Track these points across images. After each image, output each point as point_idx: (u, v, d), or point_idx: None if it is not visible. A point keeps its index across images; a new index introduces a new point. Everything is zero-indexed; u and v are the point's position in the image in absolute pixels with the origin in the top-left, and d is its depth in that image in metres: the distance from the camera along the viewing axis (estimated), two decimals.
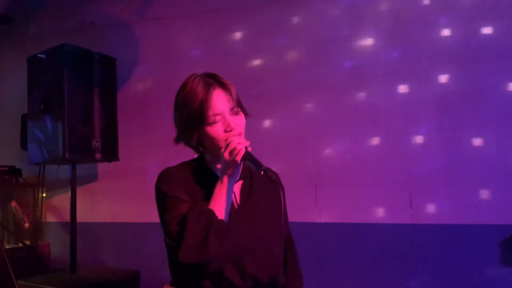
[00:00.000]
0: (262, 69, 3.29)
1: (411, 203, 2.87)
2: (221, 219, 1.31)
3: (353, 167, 3.00)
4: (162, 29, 3.63)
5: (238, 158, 1.30)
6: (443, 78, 2.88)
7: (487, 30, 2.81)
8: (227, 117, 1.35)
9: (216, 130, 1.35)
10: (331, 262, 2.97)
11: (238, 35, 3.40)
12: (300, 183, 3.04)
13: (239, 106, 1.40)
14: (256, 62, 3.31)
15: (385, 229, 2.90)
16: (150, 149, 3.55)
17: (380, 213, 2.93)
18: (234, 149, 1.30)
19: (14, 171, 3.67)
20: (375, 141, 2.99)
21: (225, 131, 1.35)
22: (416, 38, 2.94)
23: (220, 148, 1.34)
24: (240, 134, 1.38)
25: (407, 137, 2.92)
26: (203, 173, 1.43)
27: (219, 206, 1.32)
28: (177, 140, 1.46)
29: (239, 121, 1.38)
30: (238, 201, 1.44)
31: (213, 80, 1.38)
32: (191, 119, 1.36)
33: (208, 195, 1.36)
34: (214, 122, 1.35)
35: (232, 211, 1.38)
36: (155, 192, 1.41)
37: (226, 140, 1.33)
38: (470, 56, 2.82)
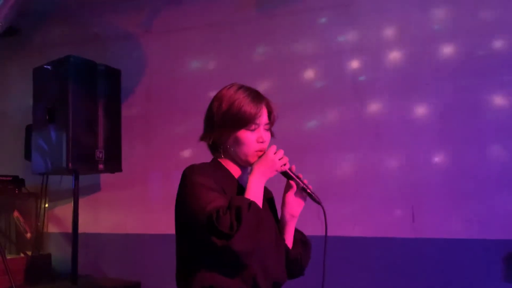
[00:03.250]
0: (265, 81, 3.31)
1: (413, 217, 2.86)
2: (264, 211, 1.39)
3: (355, 180, 3.00)
4: (166, 42, 3.67)
5: (286, 168, 1.47)
6: (446, 92, 2.89)
7: (489, 45, 2.82)
8: (262, 130, 1.48)
9: (250, 137, 1.46)
10: (332, 275, 2.95)
11: (241, 47, 3.43)
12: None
13: (272, 125, 1.54)
14: (260, 74, 3.33)
15: (387, 243, 2.88)
16: (153, 161, 3.57)
17: (382, 227, 2.92)
18: (283, 158, 1.46)
19: (17, 181, 3.68)
20: (378, 154, 2.99)
21: (257, 141, 1.47)
22: (419, 53, 2.96)
23: (246, 153, 1.47)
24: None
25: (409, 151, 2.92)
26: (225, 174, 1.50)
27: (258, 201, 1.39)
28: (205, 138, 1.52)
29: (267, 137, 1.51)
30: None
31: (262, 96, 1.52)
32: (236, 122, 1.45)
33: (233, 193, 1.45)
34: (251, 130, 1.46)
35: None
36: (185, 185, 1.41)
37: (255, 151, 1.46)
38: (472, 70, 2.83)
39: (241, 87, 1.51)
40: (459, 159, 2.81)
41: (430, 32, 2.95)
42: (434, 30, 2.94)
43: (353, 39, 3.15)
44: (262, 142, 1.47)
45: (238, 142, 1.47)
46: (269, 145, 1.48)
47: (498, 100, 2.78)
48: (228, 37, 3.47)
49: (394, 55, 3.03)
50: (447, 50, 2.90)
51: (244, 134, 1.46)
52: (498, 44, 2.81)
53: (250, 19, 3.42)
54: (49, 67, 3.22)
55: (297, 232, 1.60)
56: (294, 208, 1.54)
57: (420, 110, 2.93)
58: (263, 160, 1.45)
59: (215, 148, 1.53)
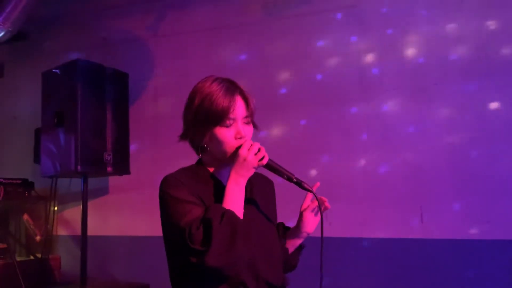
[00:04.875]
0: (270, 82, 3.31)
1: (422, 217, 2.84)
2: (242, 219, 1.31)
3: (363, 181, 2.99)
4: (174, 45, 3.69)
5: (265, 162, 1.34)
6: (454, 92, 2.87)
7: (498, 46, 2.81)
8: (239, 124, 1.36)
9: (226, 134, 1.35)
10: (342, 277, 2.94)
11: (247, 50, 3.44)
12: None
13: (252, 116, 1.41)
14: (265, 75, 3.34)
15: (395, 244, 2.87)
16: (161, 163, 3.57)
17: (390, 228, 2.91)
18: (259, 151, 1.33)
19: (27, 184, 3.71)
20: (385, 155, 2.98)
21: (235, 137, 1.36)
22: (427, 52, 2.95)
23: (224, 152, 1.36)
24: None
25: (417, 152, 2.91)
26: (204, 177, 1.43)
27: (236, 205, 1.31)
28: (183, 137, 1.45)
29: (248, 131, 1.39)
30: (249, 195, 1.45)
31: (235, 86, 1.39)
32: (208, 118, 1.35)
33: (211, 198, 1.37)
34: (227, 126, 1.35)
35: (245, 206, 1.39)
36: (161, 198, 1.37)
37: (241, 142, 1.35)
38: (481, 71, 2.82)
39: (215, 79, 1.40)
40: (467, 159, 2.79)
41: (439, 29, 2.94)
42: (443, 28, 2.93)
43: (361, 40, 3.14)
44: (240, 138, 1.36)
45: (214, 140, 1.36)
46: (255, 140, 1.37)
47: (507, 99, 2.76)
48: (235, 40, 3.48)
49: (403, 56, 3.02)
50: (457, 51, 2.88)
51: (219, 131, 1.35)
52: (506, 47, 2.79)
53: (257, 22, 3.43)
54: (57, 71, 3.24)
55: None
56: (310, 226, 1.50)
57: (429, 110, 2.92)
58: (236, 161, 1.33)
59: (194, 147, 1.45)
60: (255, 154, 1.32)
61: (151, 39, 3.76)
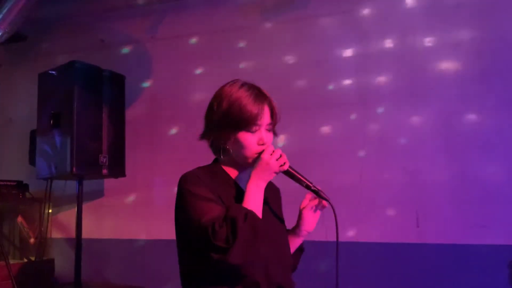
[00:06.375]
0: (269, 87, 3.30)
1: (418, 222, 2.84)
2: (262, 221, 1.34)
3: (360, 185, 2.99)
4: (171, 48, 3.69)
5: (286, 167, 1.40)
6: (450, 98, 2.88)
7: (494, 53, 2.82)
8: (263, 131, 1.41)
9: (250, 139, 1.39)
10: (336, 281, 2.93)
11: (246, 54, 3.45)
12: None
13: (275, 124, 1.46)
14: (264, 80, 3.32)
15: (391, 248, 2.87)
16: (157, 166, 3.57)
17: (386, 232, 2.91)
18: (281, 157, 1.38)
19: (21, 186, 3.69)
20: (382, 160, 2.98)
21: (258, 143, 1.40)
22: (423, 59, 2.96)
23: (245, 156, 1.40)
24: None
25: (414, 156, 2.91)
26: (222, 177, 1.46)
27: (256, 208, 1.34)
28: (204, 136, 1.47)
29: (269, 138, 1.43)
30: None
31: (263, 94, 1.45)
32: (236, 123, 1.38)
33: (230, 198, 1.40)
34: (252, 132, 1.39)
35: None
36: (180, 195, 1.39)
37: (265, 148, 1.39)
38: (476, 77, 2.83)
39: (244, 84, 1.45)
40: (463, 164, 2.80)
41: (435, 37, 2.96)
42: (439, 36, 2.95)
43: (357, 45, 3.15)
44: (263, 144, 1.40)
45: (238, 144, 1.40)
46: (276, 146, 1.42)
47: (503, 106, 2.77)
48: (234, 43, 3.49)
49: (398, 61, 3.03)
50: (450, 56, 2.90)
51: (244, 136, 1.39)
52: (501, 52, 2.81)
53: (256, 26, 3.44)
54: (54, 72, 3.24)
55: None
56: (310, 225, 1.54)
57: (425, 116, 2.92)
58: (258, 164, 1.37)
59: (215, 148, 1.48)
60: (277, 159, 1.38)
61: (148, 42, 3.76)
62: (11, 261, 3.42)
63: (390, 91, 3.02)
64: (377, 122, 3.03)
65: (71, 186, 3.52)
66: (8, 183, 3.62)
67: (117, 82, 3.38)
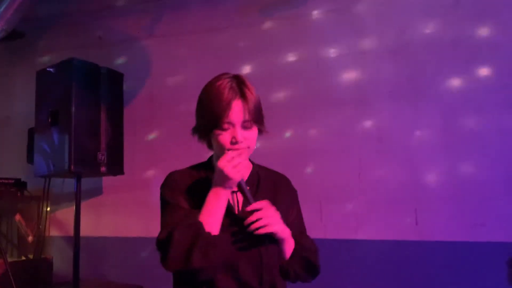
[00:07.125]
0: (266, 85, 3.31)
1: (417, 220, 2.84)
2: (209, 232, 1.29)
3: (358, 183, 2.99)
4: (169, 46, 3.68)
5: (239, 177, 1.31)
6: (449, 95, 2.88)
7: (492, 52, 2.82)
8: (237, 129, 1.32)
9: (222, 138, 1.34)
10: (335, 279, 2.93)
11: (243, 52, 3.44)
12: (304, 198, 3.01)
13: (254, 120, 1.36)
14: (260, 78, 3.33)
15: (390, 246, 2.87)
16: (155, 164, 3.56)
17: (385, 230, 2.91)
18: (238, 164, 1.29)
19: (19, 184, 3.68)
20: (381, 157, 2.98)
21: (231, 142, 1.32)
22: (423, 55, 2.96)
23: (220, 155, 1.34)
24: (249, 147, 1.37)
25: (412, 153, 2.91)
26: (207, 180, 1.39)
27: (212, 217, 1.31)
28: (194, 131, 1.45)
29: (249, 135, 1.35)
30: (240, 207, 1.42)
31: (238, 89, 1.35)
32: (206, 120, 1.35)
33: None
34: (224, 130, 1.33)
35: (231, 217, 1.36)
36: (160, 196, 1.45)
37: (227, 150, 1.32)
38: (475, 75, 2.83)
39: (223, 78, 1.36)
40: (462, 162, 2.79)
41: (433, 31, 2.95)
42: (437, 30, 2.94)
43: (355, 43, 3.14)
44: (236, 143, 1.31)
45: (214, 141, 1.36)
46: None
47: (501, 102, 2.77)
48: (231, 41, 3.48)
49: (396, 60, 3.02)
50: (450, 50, 2.89)
51: (216, 134, 1.33)
52: (500, 47, 2.80)
53: (253, 24, 3.43)
54: (52, 69, 3.22)
55: (303, 249, 1.45)
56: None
57: (424, 114, 2.92)
58: (215, 172, 1.31)
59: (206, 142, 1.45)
60: (233, 165, 1.29)
61: (147, 39, 3.75)
62: (9, 259, 3.41)
63: (389, 89, 3.01)
64: (376, 120, 3.03)
65: (69, 184, 3.51)
66: (6, 181, 3.61)
67: (115, 80, 3.36)
